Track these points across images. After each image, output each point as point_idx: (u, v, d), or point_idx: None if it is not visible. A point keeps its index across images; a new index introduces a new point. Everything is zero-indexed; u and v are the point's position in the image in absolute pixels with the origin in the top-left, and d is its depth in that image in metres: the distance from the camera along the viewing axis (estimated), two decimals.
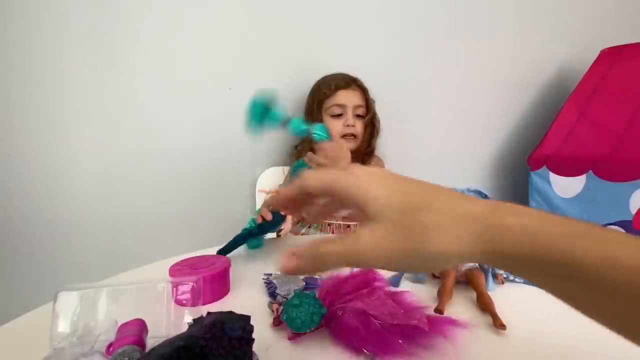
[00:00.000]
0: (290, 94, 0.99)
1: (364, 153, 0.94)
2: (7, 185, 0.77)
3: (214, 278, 0.45)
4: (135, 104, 0.85)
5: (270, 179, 0.96)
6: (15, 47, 0.75)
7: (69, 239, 0.83)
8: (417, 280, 0.51)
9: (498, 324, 0.37)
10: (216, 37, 0.90)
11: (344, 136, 0.89)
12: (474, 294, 0.45)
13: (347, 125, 0.88)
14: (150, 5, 0.83)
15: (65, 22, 0.77)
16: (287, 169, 0.95)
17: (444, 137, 1.24)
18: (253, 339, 0.28)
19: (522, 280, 0.52)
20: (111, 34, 0.81)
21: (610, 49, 1.23)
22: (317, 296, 0.37)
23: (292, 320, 0.35)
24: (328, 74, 0.93)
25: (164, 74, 0.87)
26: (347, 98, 0.88)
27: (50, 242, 0.82)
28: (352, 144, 0.90)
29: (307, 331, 0.35)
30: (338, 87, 0.88)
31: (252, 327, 0.29)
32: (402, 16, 1.10)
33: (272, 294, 0.46)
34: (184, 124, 0.90)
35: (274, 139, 1.00)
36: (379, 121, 0.97)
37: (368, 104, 0.93)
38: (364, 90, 0.92)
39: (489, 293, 0.44)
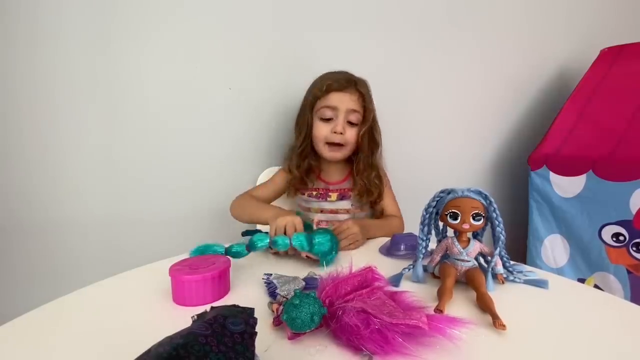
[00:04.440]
0: (290, 94, 0.99)
1: (362, 165, 0.83)
2: (6, 185, 0.77)
3: (214, 278, 0.45)
4: (134, 103, 0.85)
5: None
6: (16, 47, 0.75)
7: (69, 239, 0.83)
8: (417, 280, 0.52)
9: (498, 324, 0.37)
10: (216, 36, 0.90)
11: (329, 144, 0.79)
12: (474, 294, 0.45)
13: (335, 132, 0.77)
14: (150, 5, 0.83)
15: (66, 21, 0.77)
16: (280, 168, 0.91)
17: (444, 137, 1.24)
18: (256, 332, 0.28)
19: (522, 280, 0.52)
20: (111, 34, 0.81)
21: (610, 48, 1.24)
22: (317, 296, 0.37)
23: (292, 320, 0.35)
24: (329, 71, 0.86)
25: (163, 73, 0.87)
26: (340, 101, 0.77)
27: (49, 241, 0.82)
28: (338, 154, 0.80)
29: (307, 331, 0.35)
30: (330, 89, 0.77)
31: (255, 319, 0.29)
32: (402, 16, 1.10)
33: (272, 294, 0.46)
34: (184, 123, 0.90)
35: (274, 139, 1.00)
36: (380, 133, 0.85)
37: (366, 111, 0.80)
38: (362, 95, 0.79)
39: (489, 293, 0.44)
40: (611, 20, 1.46)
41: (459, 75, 1.22)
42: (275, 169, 0.96)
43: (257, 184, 0.96)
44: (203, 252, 0.55)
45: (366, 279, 0.42)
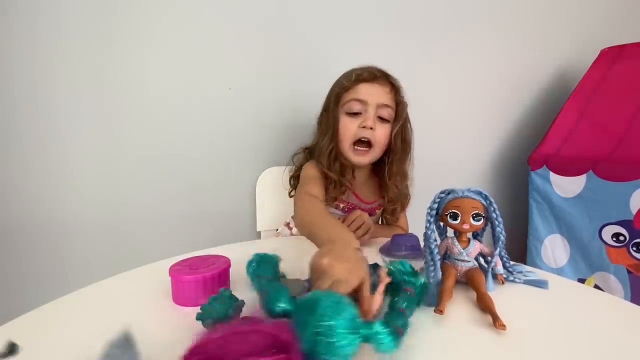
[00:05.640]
0: (291, 94, 0.99)
1: (395, 169, 0.73)
2: (6, 185, 0.77)
3: (214, 278, 0.45)
4: (134, 103, 0.85)
5: (271, 179, 0.96)
6: (16, 47, 0.75)
7: (69, 239, 0.83)
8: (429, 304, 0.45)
9: (498, 324, 0.37)
10: (216, 36, 0.90)
11: (356, 142, 0.70)
12: (474, 294, 0.45)
13: (363, 127, 0.68)
14: (150, 5, 0.83)
15: (66, 21, 0.77)
16: (287, 168, 0.87)
17: (444, 137, 1.24)
18: None
19: (522, 280, 0.52)
20: (111, 34, 0.81)
21: (610, 48, 1.23)
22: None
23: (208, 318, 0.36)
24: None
25: (163, 73, 0.87)
26: (370, 93, 0.68)
27: (49, 242, 0.82)
28: (365, 158, 0.70)
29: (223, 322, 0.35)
30: (360, 79, 0.69)
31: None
32: (402, 17, 1.10)
33: None
34: (184, 123, 0.90)
35: (275, 139, 1.00)
36: (412, 132, 0.75)
37: (399, 106, 0.71)
38: (395, 88, 0.71)
39: (489, 293, 0.44)
40: (611, 20, 1.46)
41: (459, 75, 1.22)
42: (274, 169, 0.96)
43: (257, 184, 0.96)
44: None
45: (275, 339, 0.26)
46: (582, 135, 1.10)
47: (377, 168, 0.78)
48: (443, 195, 0.50)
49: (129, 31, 0.82)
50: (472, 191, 0.48)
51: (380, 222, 0.87)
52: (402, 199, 0.77)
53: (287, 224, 0.88)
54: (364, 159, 0.71)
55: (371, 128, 0.68)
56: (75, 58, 0.79)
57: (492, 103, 1.31)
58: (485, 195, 0.48)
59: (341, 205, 0.77)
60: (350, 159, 0.72)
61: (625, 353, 0.35)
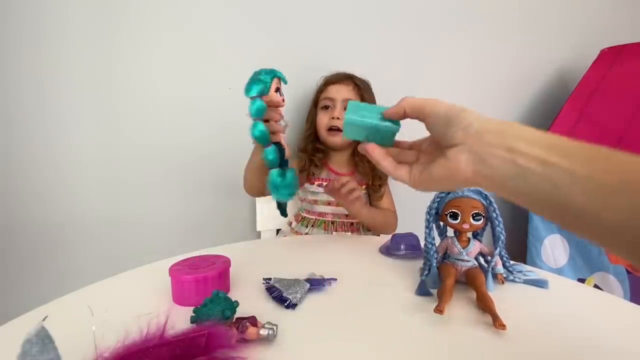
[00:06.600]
0: (290, 94, 0.99)
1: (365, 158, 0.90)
2: (7, 185, 0.77)
3: (214, 278, 0.45)
4: (134, 104, 0.85)
5: None
6: (17, 48, 0.75)
7: (69, 239, 0.83)
8: (434, 287, 0.48)
9: (498, 324, 0.37)
10: (217, 36, 0.90)
11: (329, 130, 0.88)
12: (474, 294, 0.45)
13: (333, 118, 0.86)
14: (150, 5, 0.83)
15: (66, 20, 0.77)
16: None
17: None
18: None
19: (522, 280, 0.52)
20: (112, 33, 0.81)
21: (610, 48, 1.23)
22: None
23: (207, 318, 0.37)
24: (327, 72, 0.92)
25: (164, 73, 0.87)
26: (336, 91, 0.87)
27: (50, 242, 0.82)
28: (337, 138, 0.88)
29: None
30: (328, 82, 0.89)
31: None
32: (402, 16, 1.10)
33: (279, 298, 0.45)
34: (184, 123, 0.90)
35: None
36: None
37: (363, 100, 0.87)
38: (358, 86, 0.89)
39: (489, 293, 0.44)
40: (611, 20, 1.46)
41: (459, 75, 1.22)
42: None
43: None
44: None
45: (194, 345, 0.26)
46: (582, 135, 1.10)
47: (356, 151, 0.92)
48: (443, 194, 0.50)
49: (129, 31, 0.82)
50: (472, 191, 0.48)
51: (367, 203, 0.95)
52: (379, 172, 0.89)
53: (290, 223, 0.93)
54: (336, 139, 0.88)
55: (338, 118, 0.86)
56: (76, 58, 0.79)
57: (492, 103, 1.31)
58: (485, 194, 0.48)
59: (324, 184, 0.90)
60: (327, 141, 0.89)
61: (625, 353, 0.35)
